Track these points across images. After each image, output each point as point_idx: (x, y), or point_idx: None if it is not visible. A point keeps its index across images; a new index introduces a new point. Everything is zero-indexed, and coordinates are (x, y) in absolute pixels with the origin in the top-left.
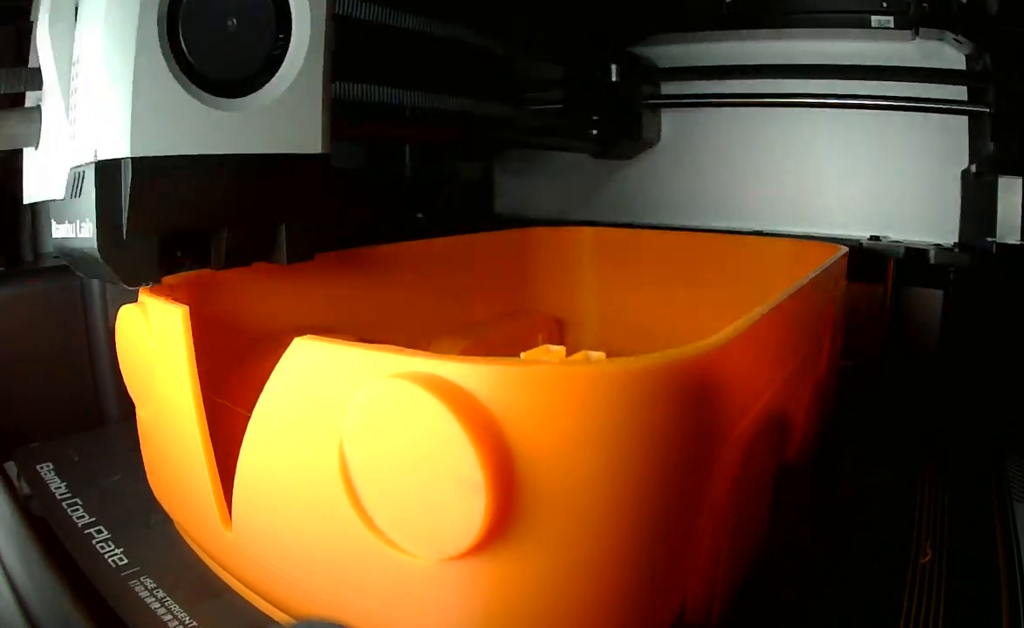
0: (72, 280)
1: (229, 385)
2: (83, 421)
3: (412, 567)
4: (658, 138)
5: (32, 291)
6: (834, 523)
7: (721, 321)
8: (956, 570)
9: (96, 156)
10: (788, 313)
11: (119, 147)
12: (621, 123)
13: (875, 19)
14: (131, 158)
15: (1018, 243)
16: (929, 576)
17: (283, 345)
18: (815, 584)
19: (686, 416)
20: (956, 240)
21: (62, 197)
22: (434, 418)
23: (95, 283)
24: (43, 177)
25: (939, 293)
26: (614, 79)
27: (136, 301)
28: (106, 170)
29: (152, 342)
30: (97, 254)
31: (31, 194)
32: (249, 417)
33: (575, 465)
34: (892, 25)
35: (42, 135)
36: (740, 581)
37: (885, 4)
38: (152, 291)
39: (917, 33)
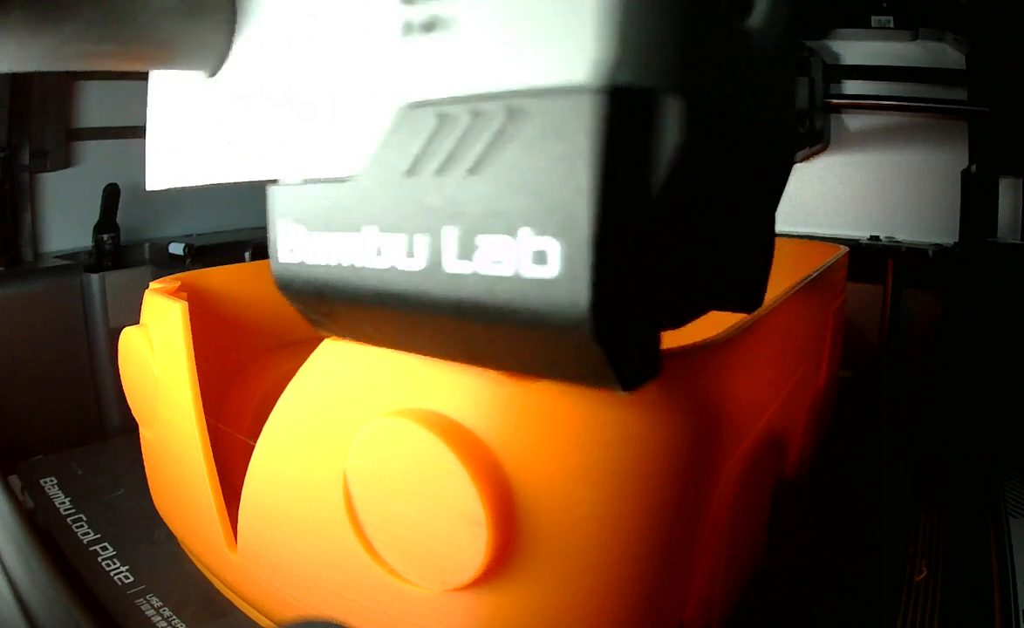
0: (72, 280)
1: (230, 400)
2: (84, 422)
3: (415, 596)
4: (829, 140)
5: (32, 291)
6: (830, 540)
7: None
8: (950, 588)
9: (579, 78)
10: (786, 319)
11: (646, 64)
12: (808, 123)
13: (875, 19)
14: (682, 92)
15: (1018, 243)
16: (924, 594)
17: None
18: (810, 602)
19: (684, 441)
20: (956, 240)
21: (346, 175)
22: (436, 458)
23: (95, 283)
24: (231, 136)
25: (939, 293)
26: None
27: (139, 300)
28: (633, 108)
29: (155, 366)
30: (577, 322)
31: (179, 171)
32: (251, 445)
33: (575, 497)
34: (892, 25)
35: (238, 47)
36: (736, 598)
37: (885, 4)
38: (153, 292)
39: (917, 33)
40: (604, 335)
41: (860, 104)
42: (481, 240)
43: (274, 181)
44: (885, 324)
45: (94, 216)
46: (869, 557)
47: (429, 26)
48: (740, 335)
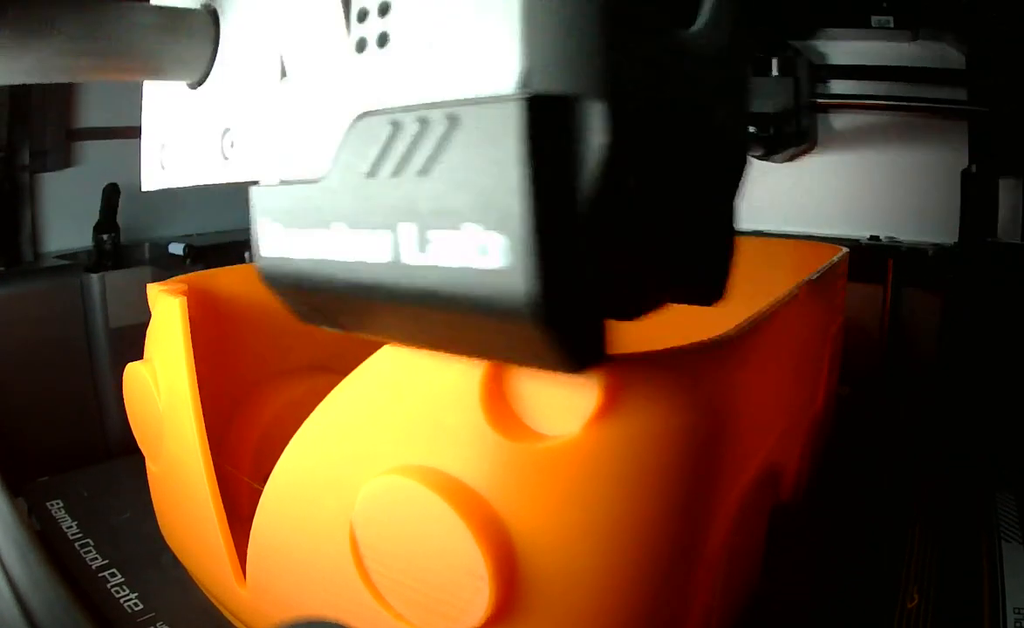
0: (72, 280)
1: (232, 431)
2: (84, 420)
3: None
4: (817, 139)
5: (32, 291)
6: (823, 565)
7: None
8: (942, 615)
9: (506, 88)
10: (787, 326)
11: (568, 73)
12: (794, 123)
13: (875, 19)
14: (607, 102)
15: (1018, 243)
16: (915, 621)
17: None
18: None
19: (682, 494)
20: (956, 240)
21: (316, 177)
22: (439, 516)
23: (95, 283)
24: (216, 141)
25: (939, 293)
26: (782, 74)
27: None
28: (554, 114)
29: (160, 401)
30: (524, 308)
31: (171, 173)
32: (259, 489)
33: (574, 549)
34: (892, 25)
35: (220, 62)
36: (731, 626)
37: (885, 4)
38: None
39: (917, 33)
40: (553, 320)
41: (856, 104)
42: (432, 235)
43: (255, 182)
44: (885, 325)
45: (94, 216)
46: (861, 584)
47: (381, 41)
48: (735, 352)
